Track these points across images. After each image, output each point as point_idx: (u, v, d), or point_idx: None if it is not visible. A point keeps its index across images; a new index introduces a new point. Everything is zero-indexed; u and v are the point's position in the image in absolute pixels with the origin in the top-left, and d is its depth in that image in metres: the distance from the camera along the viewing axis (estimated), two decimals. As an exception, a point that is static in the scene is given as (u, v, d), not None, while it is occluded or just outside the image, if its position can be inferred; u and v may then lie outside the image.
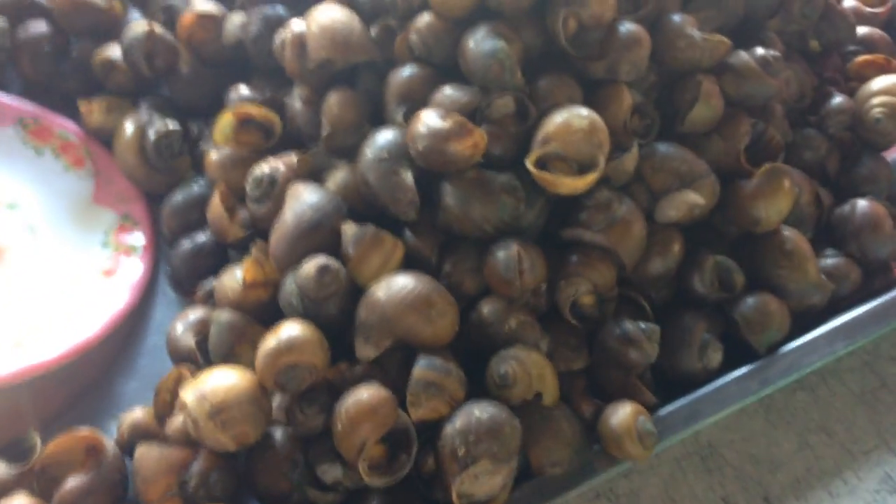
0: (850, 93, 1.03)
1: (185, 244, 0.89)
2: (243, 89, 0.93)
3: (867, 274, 0.92)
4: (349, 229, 0.77)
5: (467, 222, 0.78)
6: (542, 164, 0.79)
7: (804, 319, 0.87)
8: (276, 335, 0.72)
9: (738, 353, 0.85)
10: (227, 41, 0.97)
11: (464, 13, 0.84)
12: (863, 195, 0.96)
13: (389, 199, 0.78)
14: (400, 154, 0.79)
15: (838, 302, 0.89)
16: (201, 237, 0.89)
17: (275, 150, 0.89)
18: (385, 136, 0.80)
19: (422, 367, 0.72)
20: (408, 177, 0.78)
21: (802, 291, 0.86)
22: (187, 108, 1.00)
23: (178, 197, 0.92)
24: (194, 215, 0.90)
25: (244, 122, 0.89)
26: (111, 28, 1.02)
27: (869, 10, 1.15)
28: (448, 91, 0.82)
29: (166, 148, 0.93)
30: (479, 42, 0.81)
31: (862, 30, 1.10)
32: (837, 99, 0.98)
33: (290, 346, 0.71)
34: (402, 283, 0.74)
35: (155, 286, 0.92)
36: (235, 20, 0.97)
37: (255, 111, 0.89)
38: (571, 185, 0.77)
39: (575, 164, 0.79)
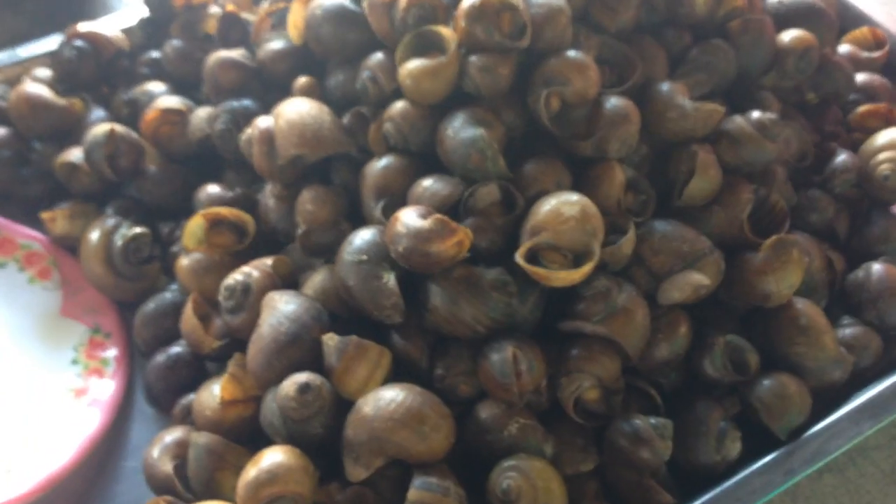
0: (854, 145, 1.01)
1: (160, 357, 0.86)
2: (212, 188, 0.91)
3: (887, 341, 0.89)
4: (331, 341, 0.74)
5: (457, 324, 0.75)
6: (533, 255, 0.76)
7: (825, 397, 0.84)
8: (258, 465, 0.68)
9: (756, 436, 0.81)
10: (193, 137, 0.95)
11: (439, 99, 0.82)
12: (876, 256, 0.93)
13: (372, 304, 0.76)
14: (380, 255, 0.76)
15: (860, 374, 0.86)
16: (176, 349, 0.86)
17: (249, 251, 0.86)
18: (363, 237, 0.78)
19: (417, 489, 0.68)
20: (390, 280, 0.75)
21: (822, 368, 0.83)
22: (156, 209, 0.98)
23: (151, 306, 0.89)
24: (168, 324, 0.88)
25: (215, 224, 0.87)
26: (72, 129, 1.00)
27: (866, 54, 1.14)
28: (427, 183, 0.79)
29: (134, 253, 0.91)
30: (458, 130, 0.79)
31: (861, 77, 1.09)
32: (842, 156, 0.96)
33: (272, 477, 0.67)
34: (390, 397, 0.71)
35: (131, 404, 0.88)
36: (201, 115, 0.95)
37: (226, 212, 0.86)
38: (566, 278, 0.74)
39: (569, 254, 0.76)
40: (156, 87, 1.03)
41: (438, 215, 0.74)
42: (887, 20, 1.17)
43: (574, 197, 0.77)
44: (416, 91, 0.82)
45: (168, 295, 0.90)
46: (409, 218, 0.74)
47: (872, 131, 1.01)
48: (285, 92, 0.93)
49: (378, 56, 0.86)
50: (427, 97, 0.82)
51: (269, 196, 0.88)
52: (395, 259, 0.75)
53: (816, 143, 1.00)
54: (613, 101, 0.83)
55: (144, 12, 1.10)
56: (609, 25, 0.89)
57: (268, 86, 0.97)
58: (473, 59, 0.81)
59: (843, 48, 1.15)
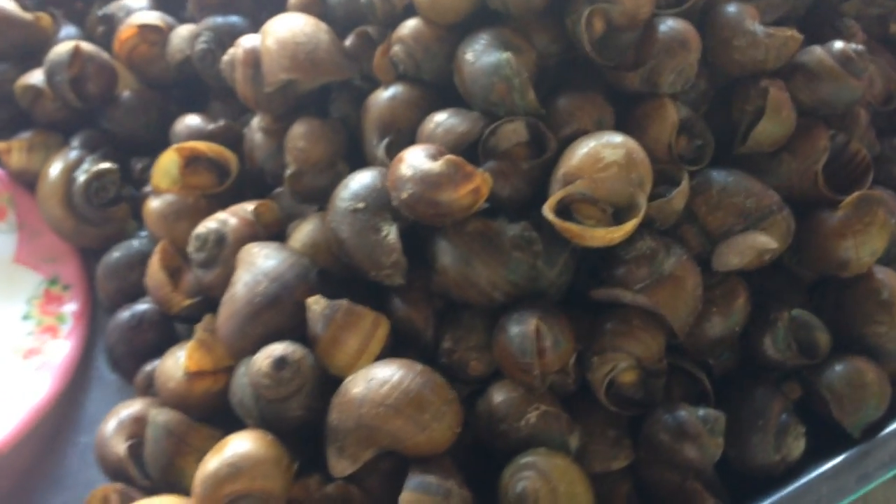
0: (946, 88, 0.87)
1: (122, 316, 0.75)
2: (191, 119, 0.79)
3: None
4: (316, 305, 0.63)
5: (470, 288, 0.64)
6: (565, 208, 0.64)
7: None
8: (220, 454, 0.58)
9: (823, 432, 0.70)
10: (172, 59, 0.83)
11: (458, 17, 0.70)
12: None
13: (368, 261, 0.64)
14: (380, 203, 0.65)
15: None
16: (142, 306, 0.75)
17: (231, 194, 0.75)
18: (360, 181, 0.66)
19: (412, 490, 0.58)
20: (391, 233, 0.64)
21: (906, 353, 0.70)
22: (129, 142, 0.87)
23: (115, 255, 0.79)
24: (136, 277, 0.77)
25: (193, 161, 0.75)
26: (39, 48, 0.88)
27: (963, -18, 0.98)
28: (440, 118, 0.68)
29: (98, 193, 0.80)
30: (479, 55, 0.67)
31: (958, 7, 0.94)
32: (934, 99, 0.82)
33: (235, 471, 0.56)
34: (384, 376, 0.60)
35: (90, 368, 0.78)
36: (182, 33, 0.83)
37: (205, 148, 0.74)
38: (604, 237, 0.62)
39: (608, 207, 0.64)
40: (134, 1, 0.91)
41: (452, 156, 0.61)
42: None
43: (617, 138, 0.65)
44: (431, 7, 0.70)
45: (136, 242, 0.79)
46: (416, 158, 0.62)
47: (971, 73, 0.88)
48: (281, 7, 0.80)
49: (388, -37, 0.73)
50: (444, 15, 0.70)
51: (255, 130, 0.77)
52: (398, 208, 0.63)
53: (902, 84, 0.86)
54: (669, 24, 0.71)
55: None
56: (664, -66, 0.75)
57: (261, 1, 0.84)
58: (503, -33, 0.68)
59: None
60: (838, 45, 0.75)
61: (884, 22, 0.88)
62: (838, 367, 0.69)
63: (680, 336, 0.66)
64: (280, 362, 0.60)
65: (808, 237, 0.72)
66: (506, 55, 0.65)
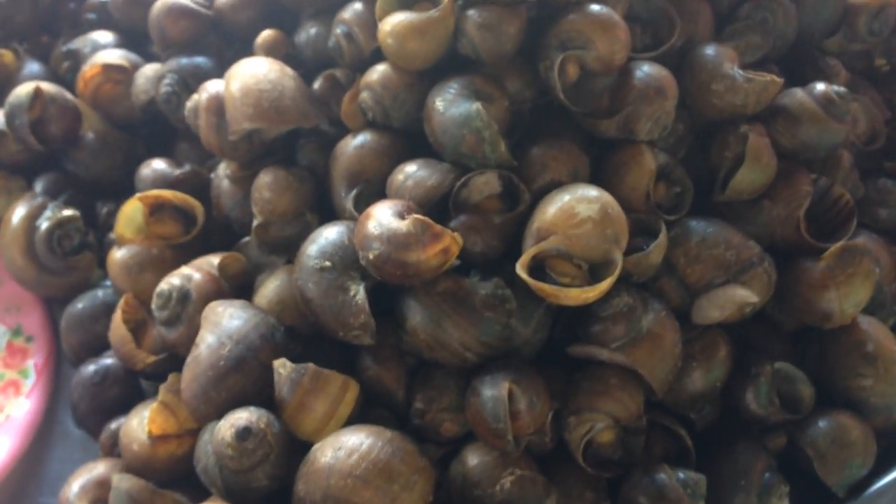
0: (933, 123, 0.86)
1: (87, 371, 0.73)
2: (156, 165, 0.77)
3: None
4: (282, 368, 0.60)
5: (441, 350, 0.62)
6: (539, 264, 0.62)
7: (894, 441, 0.70)
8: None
9: (807, 489, 0.68)
10: (137, 100, 0.81)
11: (428, 63, 0.68)
12: (961, 261, 0.78)
13: (336, 322, 0.62)
14: (348, 261, 0.63)
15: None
16: (106, 361, 0.73)
17: (197, 243, 0.72)
18: (327, 237, 0.64)
19: (380, 567, 0.55)
20: (359, 293, 0.61)
21: (890, 406, 0.70)
22: (95, 186, 0.84)
23: (79, 306, 0.76)
24: (101, 329, 0.74)
25: (157, 209, 0.73)
26: (2, 86, 0.85)
27: (949, 11, 0.97)
28: (410, 170, 0.65)
29: (61, 242, 0.78)
30: (449, 105, 0.65)
31: (944, 39, 0.92)
32: (920, 139, 0.80)
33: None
34: (352, 445, 0.58)
35: (54, 424, 0.75)
36: (147, 73, 0.81)
37: (170, 196, 0.72)
38: (579, 297, 0.61)
39: (584, 263, 0.62)
40: (102, 36, 0.89)
41: (419, 216, 0.59)
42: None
43: (592, 192, 0.63)
44: (399, 53, 0.67)
45: (101, 293, 0.77)
46: (383, 217, 0.60)
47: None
48: (248, 47, 0.78)
49: (355, 7, 0.72)
50: (413, 61, 0.68)
51: (222, 177, 0.74)
52: (366, 267, 0.61)
53: (888, 119, 0.84)
54: (645, 70, 0.69)
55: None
56: (643, -27, 0.73)
57: (228, 39, 0.82)
58: (472, 13, 0.67)
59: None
60: (820, 87, 0.74)
61: (869, 57, 0.86)
62: (822, 424, 0.68)
63: (659, 395, 0.65)
64: (244, 432, 0.57)
65: (790, 287, 0.70)
66: (475, 106, 0.63)
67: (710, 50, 0.72)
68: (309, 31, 0.76)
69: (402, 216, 0.60)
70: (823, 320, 0.69)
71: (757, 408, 0.68)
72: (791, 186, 0.72)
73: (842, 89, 0.74)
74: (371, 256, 0.60)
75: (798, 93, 0.74)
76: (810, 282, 0.69)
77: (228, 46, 0.82)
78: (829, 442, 0.67)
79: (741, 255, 0.67)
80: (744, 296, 0.66)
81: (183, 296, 0.66)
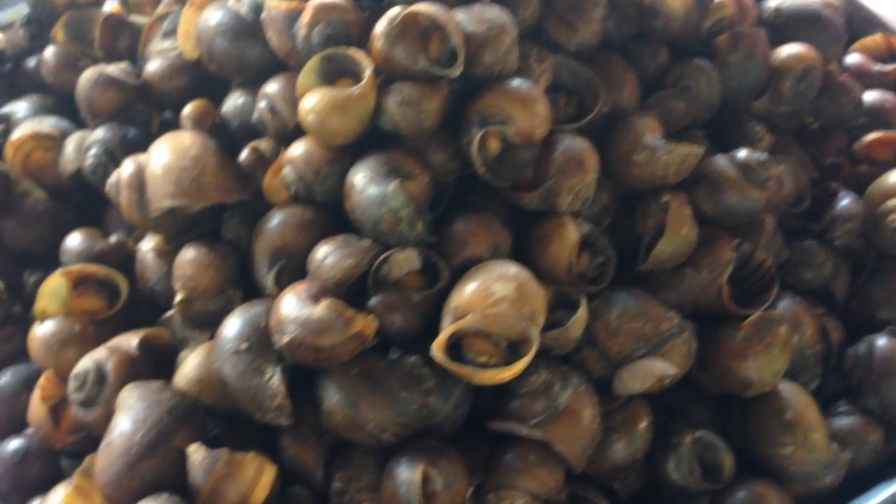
0: (860, 179, 0.88)
1: (8, 449, 0.72)
2: (80, 237, 0.76)
3: (890, 434, 0.75)
4: (196, 454, 0.60)
5: (357, 431, 0.62)
6: (458, 341, 0.62)
7: (814, 505, 0.71)
8: None
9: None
10: (64, 169, 0.80)
11: (350, 139, 0.68)
12: (880, 324, 0.80)
13: (252, 404, 0.62)
14: (265, 343, 0.63)
15: (856, 475, 0.73)
16: (27, 439, 0.71)
17: (122, 317, 0.72)
18: (245, 318, 0.63)
19: None
20: (275, 376, 0.61)
21: (810, 473, 0.70)
22: (22, 255, 0.83)
23: (3, 380, 0.75)
24: (25, 405, 0.72)
25: (81, 282, 0.72)
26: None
27: (878, 67, 0.99)
28: (328, 249, 0.65)
29: (-16, 313, 0.76)
30: (367, 183, 0.65)
31: (871, 95, 0.94)
32: (844, 201, 0.81)
33: None
34: (265, 533, 0.57)
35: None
36: (75, 141, 0.80)
37: (94, 270, 0.71)
38: (493, 377, 0.61)
39: (502, 340, 0.62)
40: (34, 102, 0.87)
41: (331, 301, 0.59)
42: (903, 25, 1.01)
43: (509, 270, 0.63)
44: (320, 129, 0.67)
45: (26, 367, 0.75)
46: (296, 301, 0.60)
47: (881, 164, 0.89)
48: (178, 114, 0.78)
49: (279, 81, 0.72)
50: (335, 137, 0.68)
51: (146, 250, 0.73)
52: (280, 350, 0.61)
53: (815, 179, 0.85)
54: (566, 143, 0.69)
55: (25, 9, 0.94)
56: (567, 44, 0.74)
57: (159, 105, 0.81)
58: (392, 89, 0.67)
59: (852, 58, 1.00)
60: (742, 154, 0.75)
61: (798, 116, 0.87)
62: (741, 494, 0.68)
63: (577, 470, 0.65)
64: (153, 526, 0.57)
65: (711, 355, 0.71)
66: (393, 185, 0.63)
67: (632, 121, 0.73)
68: (236, 101, 0.76)
69: (316, 299, 0.60)
70: (743, 389, 0.70)
71: (678, 477, 0.68)
72: (713, 253, 0.72)
73: (763, 156, 0.75)
74: (285, 341, 0.60)
75: (720, 160, 0.74)
76: (730, 351, 0.70)
77: (161, 113, 0.81)
78: (747, 510, 0.67)
79: (660, 327, 0.67)
80: (662, 368, 0.66)
81: (99, 378, 0.65)
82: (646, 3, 0.74)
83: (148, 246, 0.73)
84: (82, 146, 0.78)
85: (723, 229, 0.74)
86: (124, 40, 0.86)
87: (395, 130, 0.67)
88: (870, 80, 0.97)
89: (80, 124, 0.85)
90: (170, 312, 0.73)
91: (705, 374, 0.71)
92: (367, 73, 0.65)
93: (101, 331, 0.71)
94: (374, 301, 0.64)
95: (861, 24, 1.03)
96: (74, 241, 0.77)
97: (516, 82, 0.68)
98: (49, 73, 0.88)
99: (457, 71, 0.65)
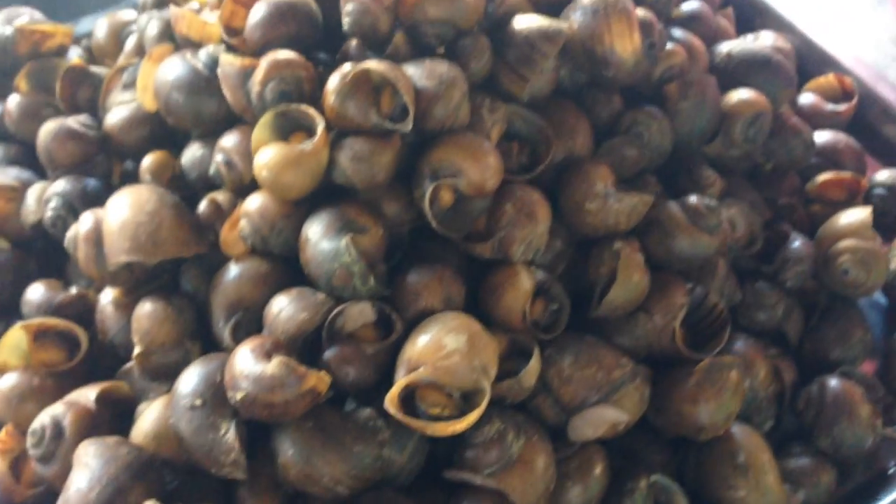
0: (812, 219, 0.89)
1: (-33, 503, 0.71)
2: (40, 289, 0.76)
3: (843, 474, 0.76)
4: (150, 511, 0.60)
5: (312, 485, 0.62)
6: (412, 392, 0.63)
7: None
8: None
9: None
10: (25, 220, 0.80)
11: (304, 193, 0.69)
12: (833, 364, 0.81)
13: (207, 459, 0.62)
14: (219, 398, 0.63)
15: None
16: (-12, 493, 0.71)
17: (81, 370, 0.72)
18: (199, 373, 0.64)
19: None
20: (230, 431, 0.62)
21: (763, 516, 0.70)
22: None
23: (-37, 434, 0.75)
24: (-15, 457, 0.73)
25: (41, 335, 0.73)
26: None
27: (831, 107, 1.01)
28: (283, 303, 0.66)
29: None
30: (320, 238, 0.66)
31: (823, 136, 0.96)
32: (796, 243, 0.83)
33: None
34: (219, 589, 0.57)
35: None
36: (36, 193, 0.80)
37: (54, 323, 0.72)
38: (446, 429, 0.62)
39: (455, 391, 0.63)
40: (-1, 150, 0.88)
41: (283, 359, 0.60)
42: (854, 64, 1.03)
43: (460, 323, 0.64)
44: (274, 185, 0.68)
45: (-13, 420, 0.75)
46: (249, 357, 0.61)
47: (833, 204, 0.90)
48: (138, 165, 0.78)
49: (234, 135, 0.72)
50: (289, 192, 0.68)
51: (106, 302, 0.74)
52: (234, 407, 0.61)
53: (768, 220, 0.86)
54: (517, 194, 0.70)
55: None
56: (519, 94, 0.75)
57: (120, 156, 0.82)
58: (345, 144, 0.68)
59: (806, 98, 1.02)
60: (692, 199, 0.76)
61: (750, 158, 0.88)
62: (696, 537, 0.69)
63: (531, 517, 0.66)
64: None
65: (665, 399, 0.72)
66: (345, 241, 0.64)
67: (584, 169, 0.74)
68: (195, 153, 0.76)
69: (268, 356, 0.61)
70: (696, 433, 0.71)
71: (633, 523, 0.69)
72: (666, 298, 0.74)
73: (712, 202, 0.76)
74: (238, 397, 0.60)
75: (671, 206, 0.76)
76: (682, 396, 0.71)
77: (122, 162, 0.82)
78: (701, 556, 0.68)
79: (612, 374, 0.69)
80: (615, 416, 0.68)
81: (57, 433, 0.66)
82: (597, 52, 0.76)
83: (107, 298, 0.74)
84: (42, 198, 0.79)
85: (676, 273, 0.76)
86: (85, 91, 0.86)
87: (349, 184, 0.68)
88: (823, 120, 0.99)
89: (43, 174, 0.85)
90: (129, 364, 0.73)
91: (660, 418, 0.72)
92: (320, 129, 0.66)
93: (60, 384, 0.71)
94: (328, 354, 0.65)
95: (815, 63, 1.06)
96: (35, 292, 0.77)
97: (466, 137, 0.69)
98: (12, 123, 0.88)
99: (408, 126, 0.66)
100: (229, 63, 0.70)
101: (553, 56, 0.74)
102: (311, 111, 0.68)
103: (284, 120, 0.69)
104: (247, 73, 0.70)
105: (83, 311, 0.76)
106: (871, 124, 1.01)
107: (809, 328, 0.83)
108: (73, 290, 0.77)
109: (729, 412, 0.71)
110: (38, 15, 0.94)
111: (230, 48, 0.75)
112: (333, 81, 0.67)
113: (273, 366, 0.60)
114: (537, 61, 0.73)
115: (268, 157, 0.67)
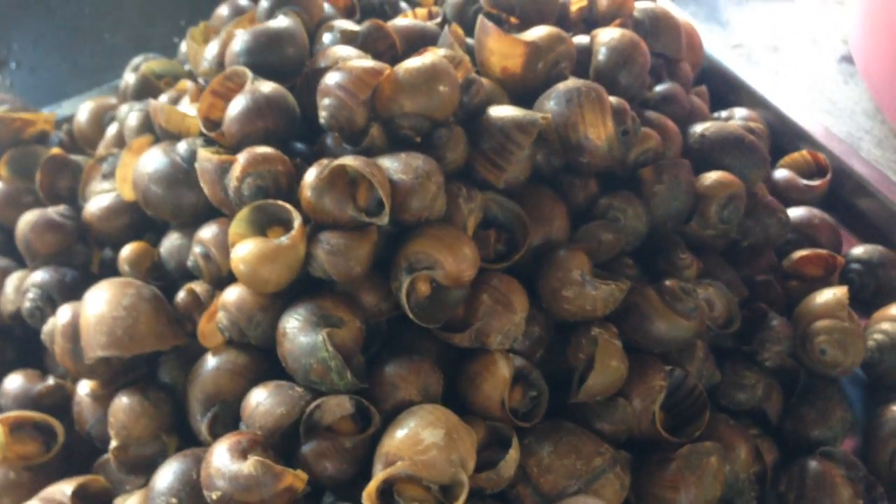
0: (789, 295, 0.90)
1: None
2: (19, 380, 0.76)
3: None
4: None
5: (289, 585, 0.61)
6: (390, 486, 0.63)
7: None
8: None
9: None
10: (3, 309, 0.81)
11: (281, 286, 0.69)
12: (813, 443, 0.81)
13: (183, 562, 0.61)
14: (196, 496, 0.63)
15: None
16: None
17: (57, 462, 0.72)
18: (175, 471, 0.64)
19: None
20: (205, 533, 0.61)
21: None
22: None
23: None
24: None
25: (18, 427, 0.73)
26: None
27: (805, 182, 1.02)
28: (260, 397, 0.66)
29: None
30: (297, 333, 0.66)
31: (798, 213, 0.97)
32: (773, 322, 0.83)
33: None
34: None
35: None
36: (15, 282, 0.80)
37: (30, 416, 0.72)
38: (424, 525, 0.61)
39: (433, 485, 0.63)
40: (-24, 239, 0.88)
41: (259, 459, 0.60)
42: (828, 139, 1.05)
43: (437, 416, 0.64)
44: (251, 279, 0.68)
45: (-40, 515, 0.74)
46: (224, 457, 0.61)
47: (810, 280, 0.91)
48: (118, 253, 0.79)
49: (212, 227, 0.73)
50: (265, 285, 0.69)
51: (83, 394, 0.74)
52: (211, 506, 0.61)
53: (746, 298, 0.87)
54: (494, 284, 0.71)
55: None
56: (495, 182, 0.76)
57: (99, 244, 0.83)
58: (321, 238, 0.68)
59: (780, 173, 1.04)
60: (668, 284, 0.77)
61: (727, 236, 0.89)
62: None
63: None
64: None
65: (647, 484, 0.72)
66: (321, 337, 0.65)
67: (560, 256, 0.75)
68: (174, 242, 0.77)
69: (244, 454, 0.61)
70: (678, 519, 0.71)
71: None
72: (645, 382, 0.74)
73: (689, 286, 0.77)
74: (214, 497, 0.60)
75: (648, 291, 0.76)
76: (663, 483, 0.71)
77: (98, 253, 0.82)
78: None
79: (592, 463, 0.69)
80: (594, 505, 0.68)
81: (32, 532, 0.66)
82: (572, 140, 0.77)
83: (84, 390, 0.74)
84: (21, 288, 0.79)
85: (654, 355, 0.76)
86: (65, 180, 0.87)
87: (326, 277, 0.69)
88: (798, 196, 1.01)
89: (22, 260, 0.86)
90: (106, 455, 0.73)
91: (641, 500, 0.73)
92: (297, 224, 0.67)
93: (36, 477, 0.71)
94: (305, 448, 0.65)
95: (789, 137, 1.08)
96: (13, 383, 0.77)
97: (444, 227, 0.70)
98: (-8, 211, 0.89)
99: (384, 219, 0.67)
100: (207, 159, 0.71)
101: (528, 146, 0.75)
102: (288, 207, 0.68)
103: (262, 214, 0.70)
104: (224, 169, 0.70)
105: (61, 401, 0.76)
106: (845, 199, 1.03)
107: (789, 406, 0.83)
108: (51, 381, 0.77)
109: (710, 497, 0.71)
110: (18, 102, 0.95)
111: (209, 141, 0.76)
112: (310, 176, 0.68)
113: (249, 465, 0.60)
114: (512, 151, 0.75)
115: (244, 251, 0.68)
